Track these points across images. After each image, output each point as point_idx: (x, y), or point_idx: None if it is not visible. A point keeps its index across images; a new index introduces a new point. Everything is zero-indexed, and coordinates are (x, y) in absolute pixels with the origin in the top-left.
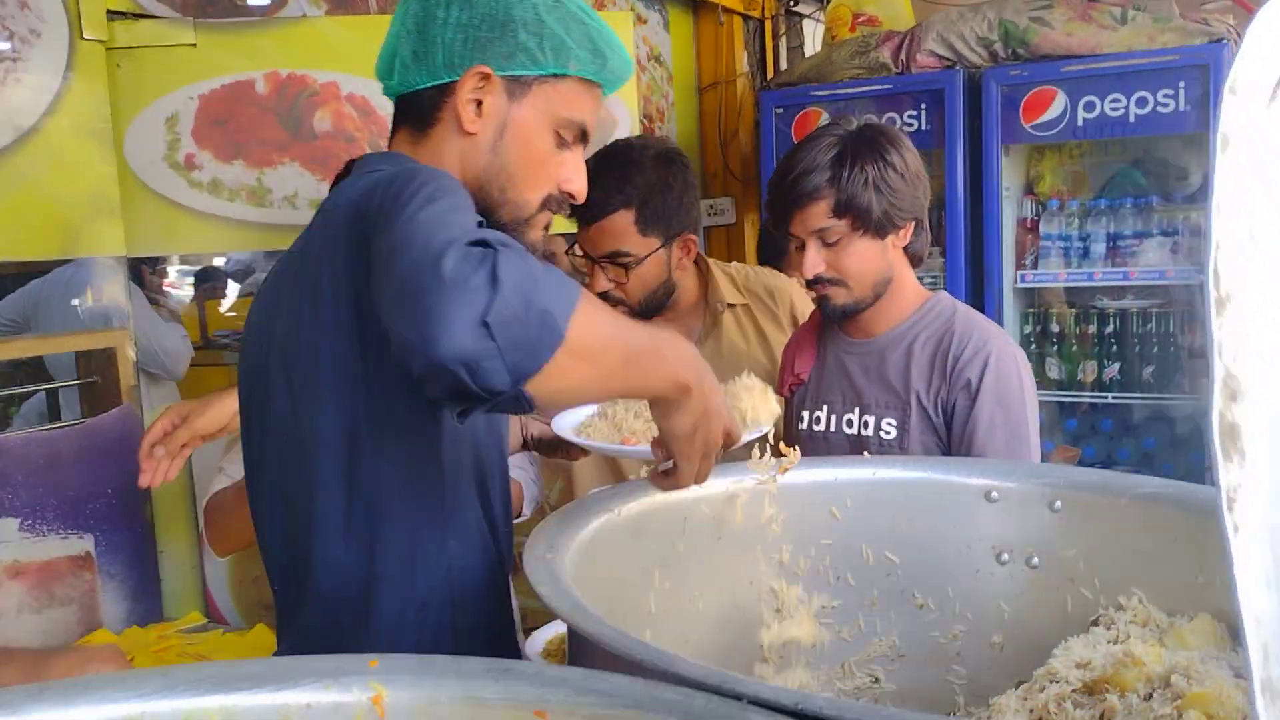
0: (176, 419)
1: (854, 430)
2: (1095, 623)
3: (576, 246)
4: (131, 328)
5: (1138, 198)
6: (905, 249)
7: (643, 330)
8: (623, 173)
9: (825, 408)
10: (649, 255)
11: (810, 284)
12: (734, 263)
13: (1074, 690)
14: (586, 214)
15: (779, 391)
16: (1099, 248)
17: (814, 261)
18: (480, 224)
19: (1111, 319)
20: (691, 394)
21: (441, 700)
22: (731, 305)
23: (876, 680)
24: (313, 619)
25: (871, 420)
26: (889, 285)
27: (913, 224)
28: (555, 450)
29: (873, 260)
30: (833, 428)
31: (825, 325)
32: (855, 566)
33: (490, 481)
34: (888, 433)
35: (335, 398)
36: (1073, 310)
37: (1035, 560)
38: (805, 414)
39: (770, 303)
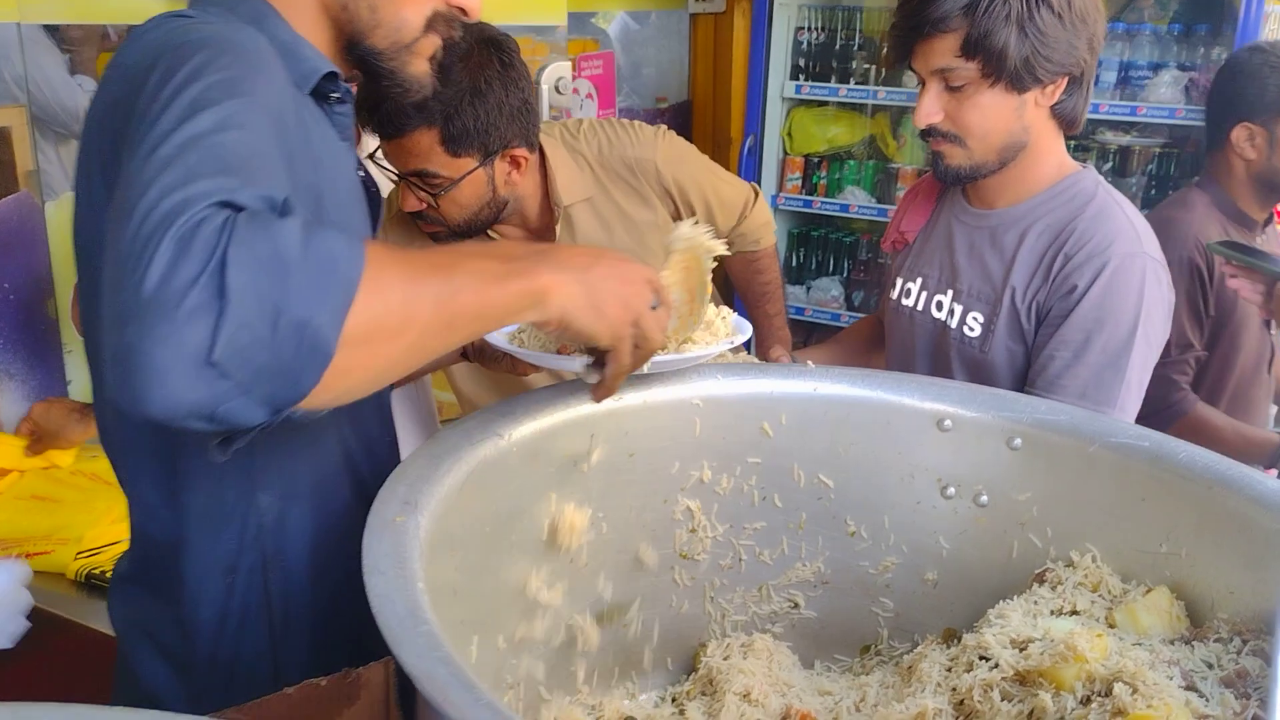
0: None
1: (942, 315)
2: (1040, 578)
3: (381, 155)
4: (29, 104)
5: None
6: (1053, 108)
7: (455, 261)
8: None
9: (919, 281)
10: (463, 177)
11: (923, 135)
12: (586, 127)
13: (1004, 678)
14: (382, 128)
15: (883, 245)
16: (1109, 76)
17: (930, 108)
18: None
19: (1113, 156)
20: (556, 289)
21: None
22: (578, 201)
23: (795, 605)
24: (128, 564)
25: (959, 309)
26: (1020, 152)
27: (1065, 80)
28: (498, 362)
29: (1003, 118)
30: (921, 305)
31: (947, 188)
32: (784, 488)
33: (356, 408)
34: (971, 329)
35: None
36: (1072, 142)
37: (984, 499)
38: (899, 281)
39: (632, 179)
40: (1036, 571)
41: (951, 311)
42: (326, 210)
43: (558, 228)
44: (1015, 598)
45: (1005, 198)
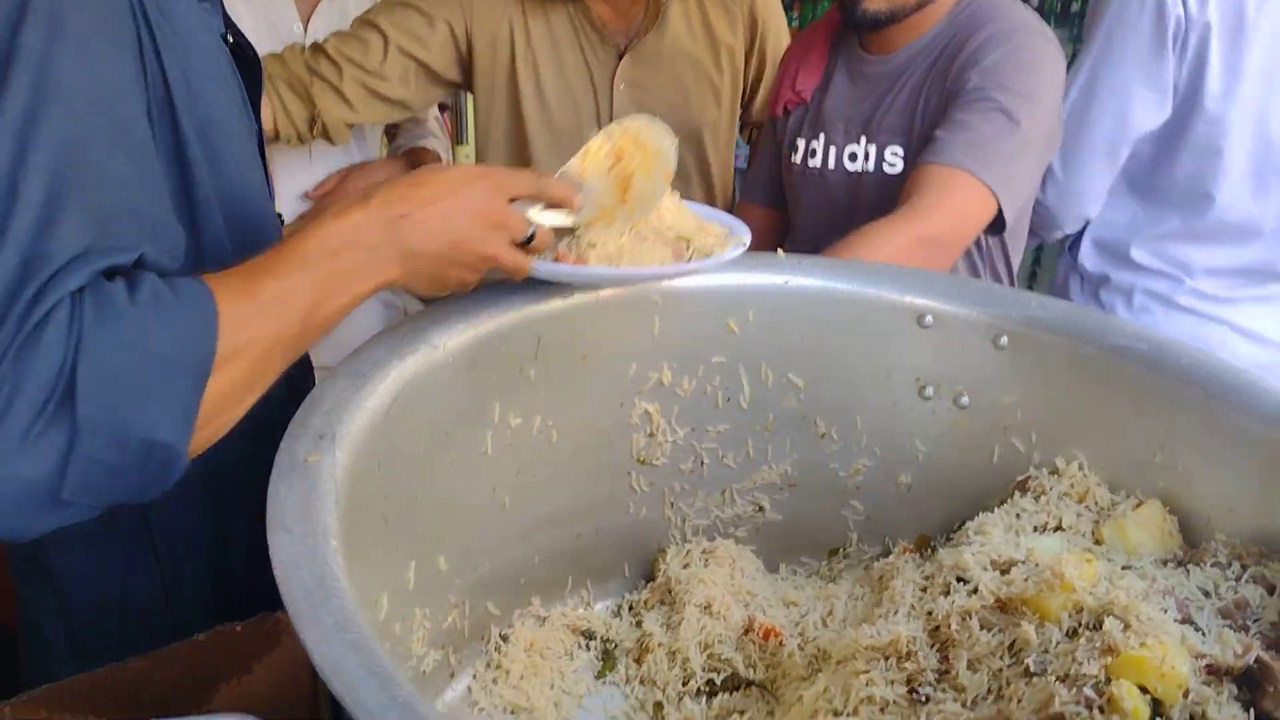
0: None
1: (857, 165)
2: (1023, 486)
3: None
4: None
5: None
6: None
7: (310, 270)
8: None
9: (822, 137)
10: None
11: None
12: None
13: (984, 605)
14: None
15: (772, 110)
16: None
17: None
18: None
19: None
20: (403, 278)
21: None
22: None
23: (760, 509)
24: None
25: (873, 150)
26: None
27: None
28: None
29: None
30: (831, 163)
31: (840, 35)
32: (750, 388)
33: None
34: (892, 164)
35: None
36: None
37: (965, 400)
38: (800, 143)
39: None
40: (1019, 479)
41: (867, 155)
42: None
43: (649, 15)
44: (996, 509)
45: (906, 37)
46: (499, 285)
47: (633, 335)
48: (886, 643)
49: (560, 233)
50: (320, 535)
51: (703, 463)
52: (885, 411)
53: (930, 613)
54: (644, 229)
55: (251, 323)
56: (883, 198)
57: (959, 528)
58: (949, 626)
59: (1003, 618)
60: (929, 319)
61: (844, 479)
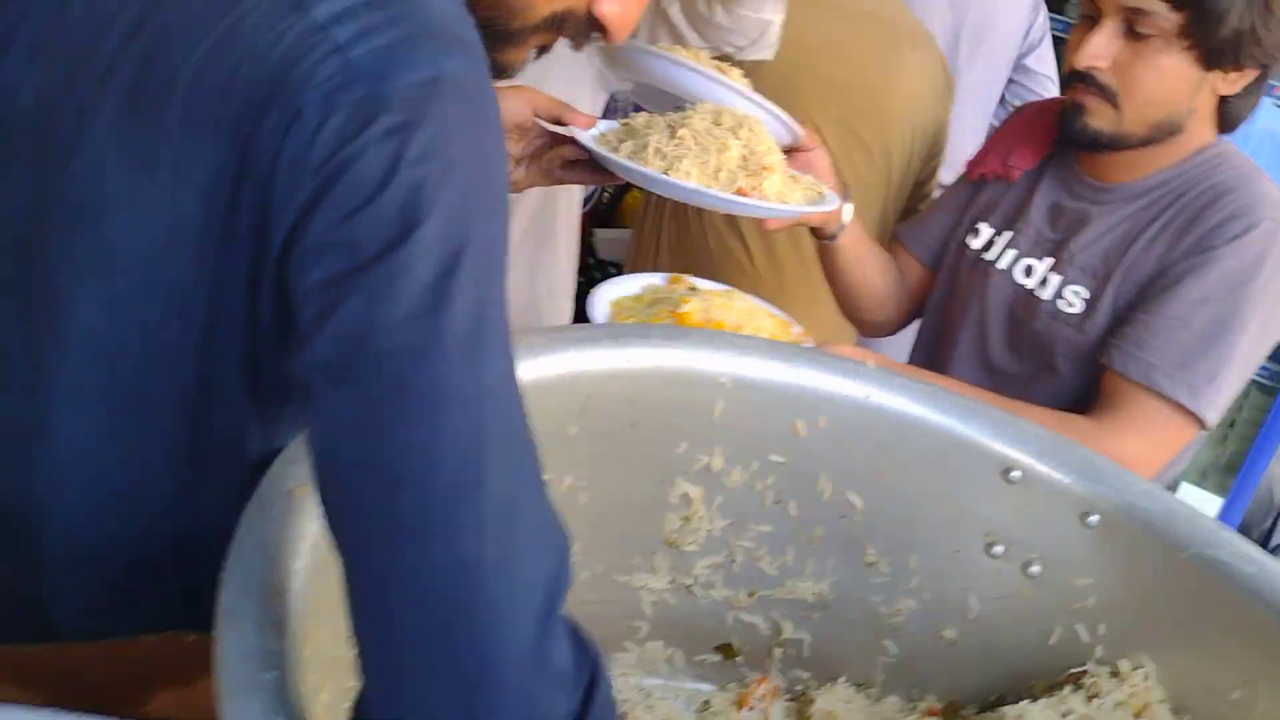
0: None
1: (1030, 282)
2: (1076, 680)
3: None
4: None
5: None
6: (1224, 100)
7: None
8: None
9: (1009, 237)
10: None
11: (1069, 80)
12: None
13: None
14: None
15: (969, 170)
16: None
17: (1099, 49)
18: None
19: None
20: None
21: None
22: None
23: (778, 631)
24: None
25: (1056, 280)
26: (1169, 137)
27: (1258, 72)
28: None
29: (1176, 91)
30: (1005, 265)
31: (1062, 138)
32: (804, 496)
33: None
34: (1070, 304)
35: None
36: None
37: (1035, 569)
38: (981, 227)
39: None
40: (1073, 671)
41: (1044, 281)
42: None
43: None
44: (1041, 698)
45: (1127, 173)
46: (552, 333)
47: (691, 413)
48: None
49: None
50: (276, 586)
51: (734, 560)
52: (945, 558)
53: None
54: (717, 154)
55: None
56: (1049, 329)
57: (995, 702)
58: None
59: None
60: (1016, 474)
61: (883, 615)
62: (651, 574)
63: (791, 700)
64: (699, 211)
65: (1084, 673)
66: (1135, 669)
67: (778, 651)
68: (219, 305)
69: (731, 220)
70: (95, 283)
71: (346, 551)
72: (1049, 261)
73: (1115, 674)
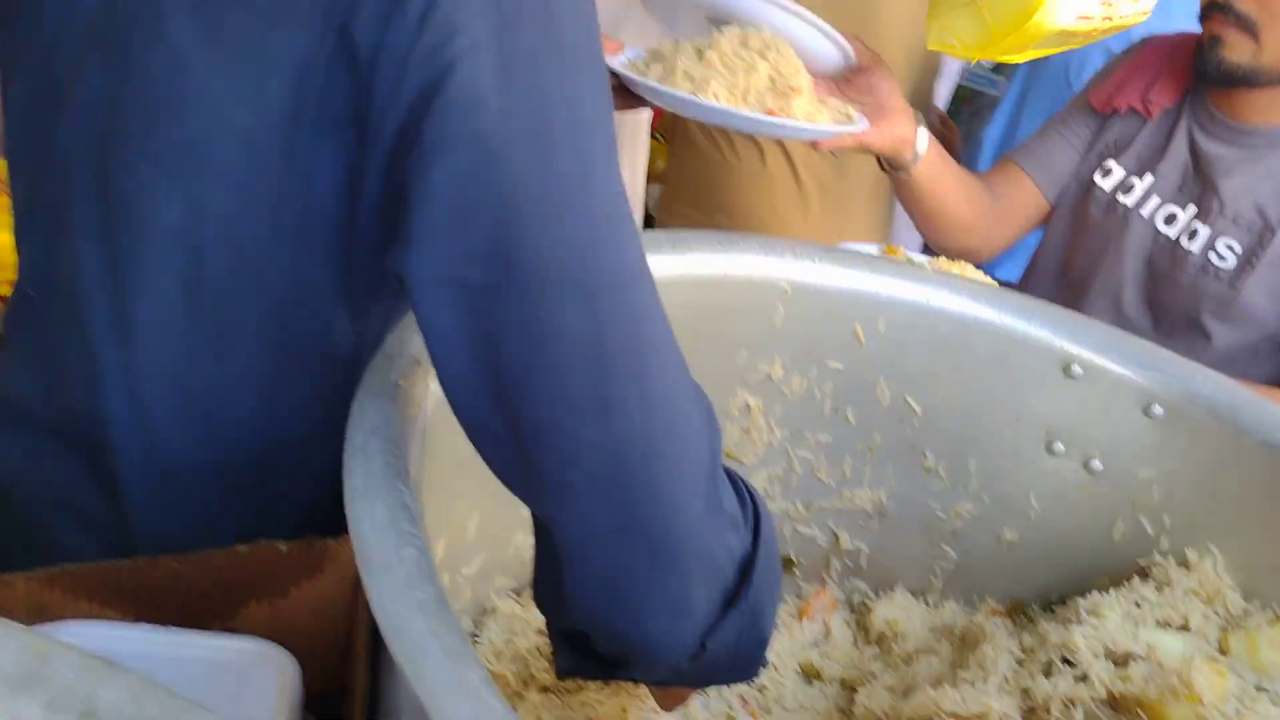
0: None
1: (1173, 231)
2: (1144, 572)
3: None
4: None
5: None
6: None
7: None
8: None
9: (1149, 179)
10: None
11: (1207, 10)
12: None
13: (1094, 697)
14: None
15: (1099, 101)
16: None
17: None
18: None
19: None
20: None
21: None
22: None
23: (836, 539)
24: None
25: (1205, 231)
26: None
27: None
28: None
29: None
30: (1146, 210)
31: (1197, 74)
32: (863, 404)
33: None
34: (1223, 257)
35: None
36: None
37: (1097, 464)
38: (1112, 165)
39: None
40: (1140, 563)
41: (1192, 232)
42: None
43: None
44: (1112, 591)
45: (1267, 114)
46: None
47: (751, 320)
48: (973, 715)
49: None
50: (397, 469)
51: (794, 471)
52: (1005, 458)
53: (1027, 691)
54: (745, 75)
55: None
56: (1197, 283)
57: (1061, 601)
58: (1048, 712)
59: (1111, 715)
60: (1077, 369)
61: (942, 520)
62: None
63: (851, 611)
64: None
65: (1151, 564)
66: (1203, 558)
67: (835, 563)
68: (310, 200)
69: (766, 146)
70: (177, 181)
71: (525, 440)
72: (1193, 210)
73: (1183, 564)
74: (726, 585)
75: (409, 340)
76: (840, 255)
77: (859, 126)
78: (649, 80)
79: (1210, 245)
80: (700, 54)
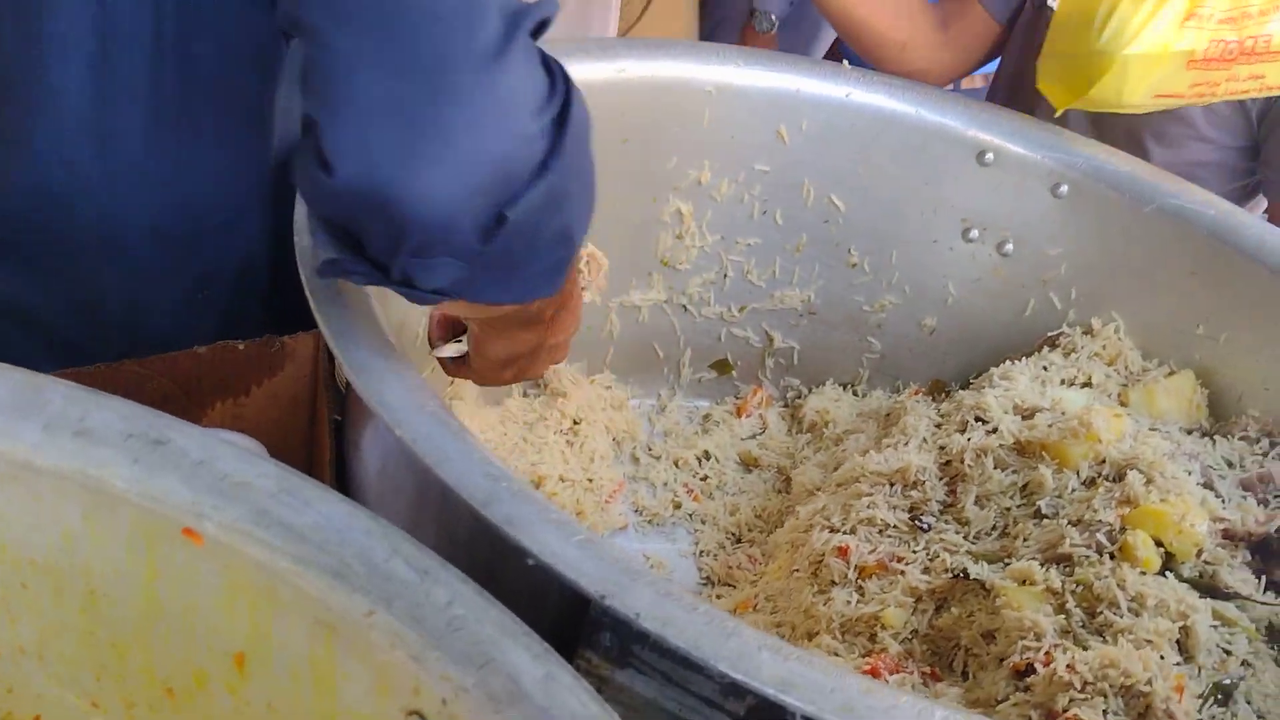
0: None
1: None
2: (1052, 342)
3: None
4: None
5: None
6: None
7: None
8: None
9: None
10: None
11: None
12: None
13: (1001, 445)
14: None
15: None
16: None
17: None
18: None
19: None
20: (533, 330)
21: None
22: None
23: (770, 340)
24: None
25: None
26: None
27: None
28: None
29: None
30: None
31: None
32: (789, 204)
33: None
34: None
35: None
36: None
37: (1009, 247)
38: None
39: None
40: (1049, 335)
41: None
42: None
43: None
44: (1023, 359)
45: None
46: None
47: (679, 124)
48: (894, 470)
49: None
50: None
51: (726, 275)
52: (923, 248)
53: (943, 447)
54: None
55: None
56: None
57: (978, 376)
58: (961, 462)
59: (1019, 460)
60: (990, 156)
61: (867, 313)
62: (648, 289)
63: (785, 406)
64: None
65: (1060, 335)
66: (1106, 325)
67: (769, 362)
68: None
69: None
70: None
71: None
72: None
73: (1088, 331)
74: (527, 140)
75: None
76: (762, 57)
77: None
78: None
79: None
80: None
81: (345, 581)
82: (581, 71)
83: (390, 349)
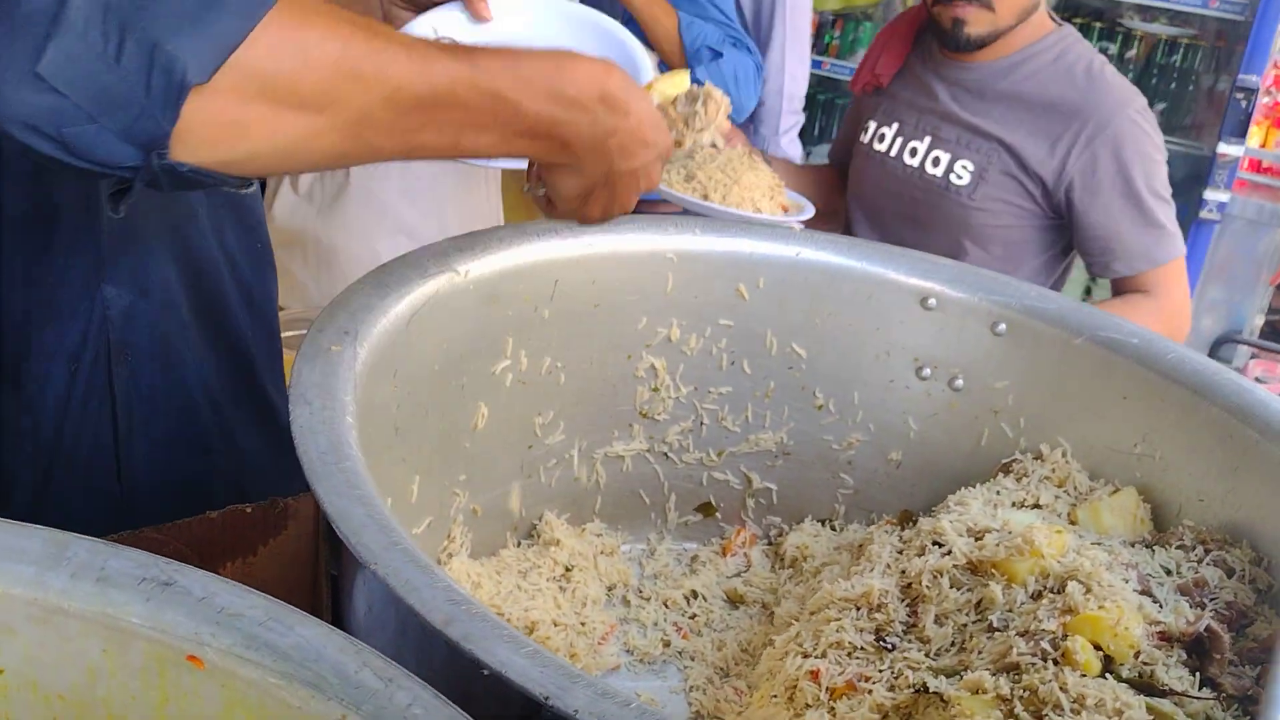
0: None
1: (916, 161)
2: (1007, 468)
3: None
4: None
5: None
6: None
7: (467, 59)
8: None
9: (895, 126)
10: None
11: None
12: None
13: (955, 565)
14: None
15: (852, 86)
16: None
17: None
18: None
19: (1136, 44)
20: (577, 155)
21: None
22: None
23: (749, 482)
24: None
25: (945, 157)
26: (1031, 13)
27: None
28: None
29: None
30: (894, 152)
31: (923, 32)
32: (754, 354)
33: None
34: (959, 176)
35: None
36: (1097, 26)
37: (959, 383)
38: (871, 125)
39: None
40: (1004, 462)
41: (935, 160)
42: None
43: None
44: (978, 486)
45: (988, 53)
46: (523, 226)
47: (646, 289)
48: (859, 594)
49: None
50: (337, 411)
51: (702, 423)
52: (882, 388)
53: (904, 571)
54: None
55: (306, 32)
56: (941, 201)
57: (941, 505)
58: (920, 583)
59: (972, 578)
60: (932, 301)
61: (837, 452)
62: (628, 440)
63: (768, 544)
64: None
65: (1013, 461)
66: (1054, 449)
67: (750, 502)
68: None
69: None
70: None
71: None
72: (929, 140)
73: (1038, 457)
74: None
75: (336, 317)
76: (716, 225)
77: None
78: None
79: (950, 169)
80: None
81: (322, 691)
82: (551, 249)
83: (373, 502)
